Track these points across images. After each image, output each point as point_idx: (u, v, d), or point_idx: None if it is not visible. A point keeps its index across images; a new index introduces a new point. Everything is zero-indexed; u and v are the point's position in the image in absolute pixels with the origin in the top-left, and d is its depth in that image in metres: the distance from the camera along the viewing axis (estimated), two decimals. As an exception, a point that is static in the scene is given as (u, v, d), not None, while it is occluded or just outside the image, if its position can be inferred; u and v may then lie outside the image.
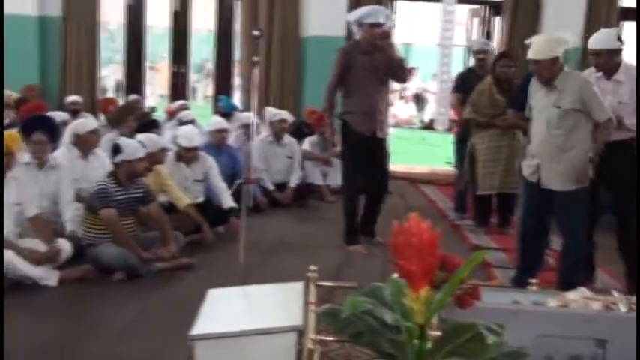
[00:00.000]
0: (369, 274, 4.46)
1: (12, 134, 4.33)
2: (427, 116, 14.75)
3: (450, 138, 10.13)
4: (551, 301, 2.73)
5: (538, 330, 2.49)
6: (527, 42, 3.98)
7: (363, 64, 4.96)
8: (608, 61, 4.12)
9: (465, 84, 5.97)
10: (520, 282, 4.04)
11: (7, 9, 8.26)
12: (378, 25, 4.91)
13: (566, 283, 3.88)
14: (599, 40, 4.17)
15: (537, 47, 3.91)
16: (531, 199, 4.10)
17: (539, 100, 4.02)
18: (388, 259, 4.69)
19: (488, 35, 9.26)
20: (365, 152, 5.06)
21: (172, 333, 3.13)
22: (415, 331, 1.33)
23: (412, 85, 15.71)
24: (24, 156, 4.63)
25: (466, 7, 10.23)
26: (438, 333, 1.50)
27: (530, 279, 3.20)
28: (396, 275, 1.48)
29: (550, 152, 3.93)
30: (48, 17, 8.50)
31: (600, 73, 4.17)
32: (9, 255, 3.93)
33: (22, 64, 8.36)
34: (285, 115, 6.96)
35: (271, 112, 7.45)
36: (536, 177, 4.01)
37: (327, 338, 2.35)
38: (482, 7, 9.58)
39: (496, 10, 9.32)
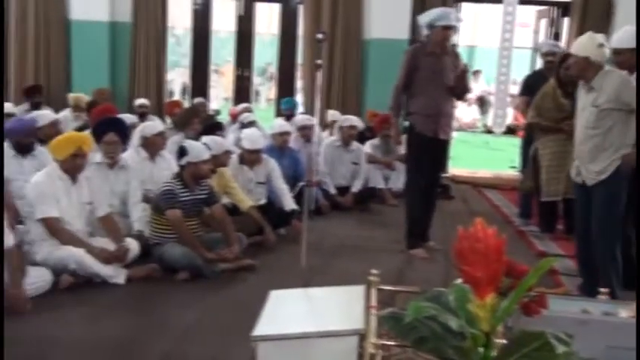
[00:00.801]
0: (430, 278, 4.43)
1: (84, 135, 4.49)
2: (491, 120, 14.50)
3: (514, 141, 9.95)
4: (622, 312, 2.63)
5: (608, 341, 2.41)
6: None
7: (428, 66, 4.96)
8: (629, 60, 4.05)
9: (532, 87, 5.83)
10: (587, 290, 3.93)
11: (81, 16, 8.63)
12: (450, 27, 4.91)
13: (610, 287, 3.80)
14: (621, 38, 4.13)
15: (577, 42, 3.95)
16: (579, 201, 4.11)
17: (580, 100, 4.02)
18: (450, 264, 4.65)
19: (557, 37, 9.01)
20: (426, 154, 5.05)
21: (235, 333, 3.18)
22: (480, 338, 1.31)
23: (475, 88, 15.47)
24: (95, 156, 4.79)
25: (533, 8, 9.99)
26: (504, 341, 1.47)
27: (597, 286, 3.11)
28: (459, 280, 1.46)
29: (589, 152, 3.93)
30: (118, 23, 8.77)
31: (626, 72, 4.08)
32: (80, 253, 4.08)
33: (93, 68, 8.68)
34: (356, 121, 6.95)
35: (336, 115, 7.49)
36: (581, 178, 4.02)
37: (389, 343, 2.34)
38: (550, 7, 9.33)
39: (565, 10, 9.07)
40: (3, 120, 5.26)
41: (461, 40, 9.91)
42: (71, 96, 8.10)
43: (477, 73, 15.92)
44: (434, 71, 4.95)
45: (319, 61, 4.18)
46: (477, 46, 17.60)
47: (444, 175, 8.34)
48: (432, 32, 4.96)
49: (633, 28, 4.20)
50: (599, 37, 3.90)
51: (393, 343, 2.39)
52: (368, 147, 7.21)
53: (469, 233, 1.36)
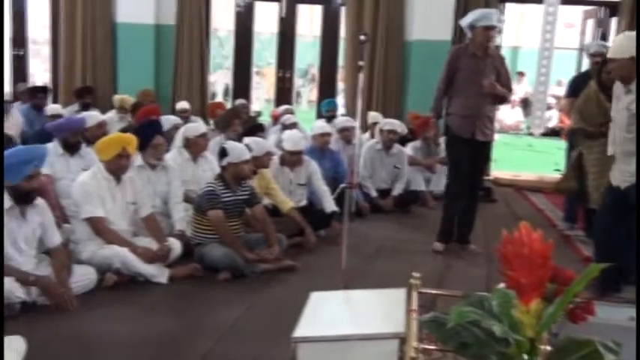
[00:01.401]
0: (472, 282, 4.37)
1: (129, 136, 4.57)
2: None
3: (558, 144, 9.75)
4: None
5: (657, 350, 2.33)
6: None
7: (467, 67, 4.93)
8: None
9: (579, 89, 5.69)
10: (603, 289, 3.82)
11: (128, 19, 8.81)
12: (491, 27, 4.87)
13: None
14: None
15: (615, 45, 3.85)
16: (610, 202, 4.04)
17: (618, 102, 3.95)
18: (492, 268, 4.58)
19: (604, 37, 8.80)
20: (464, 155, 5.01)
21: (275, 334, 3.19)
22: (525, 345, 1.29)
23: (519, 90, 15.23)
24: (136, 159, 4.84)
25: (579, 8, 9.79)
26: (549, 348, 1.44)
27: (616, 285, 3.06)
28: (502, 285, 1.44)
29: (621, 155, 3.88)
30: (163, 25, 8.90)
31: None
32: (124, 252, 4.16)
33: (139, 70, 8.83)
34: (397, 126, 6.87)
35: (378, 117, 7.45)
36: (615, 181, 3.97)
37: (430, 347, 2.31)
38: (597, 7, 9.12)
39: (612, 10, 8.85)
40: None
41: (504, 41, 9.75)
42: (116, 97, 8.26)
43: (520, 74, 15.68)
44: (474, 72, 4.92)
45: (361, 63, 4.17)
46: (520, 47, 17.31)
47: (486, 177, 8.24)
48: (473, 33, 4.93)
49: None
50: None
51: (434, 347, 2.36)
52: (409, 149, 7.16)
53: (514, 237, 1.34)
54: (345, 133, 6.72)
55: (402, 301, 2.43)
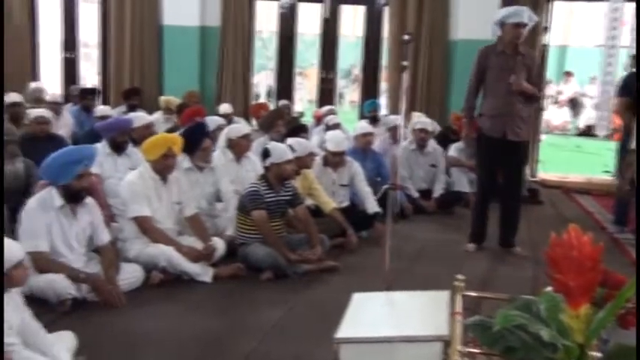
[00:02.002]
0: (516, 285, 4.30)
1: (174, 137, 4.64)
2: (583, 122, 13.94)
3: (607, 145, 9.51)
4: None
5: None
6: None
7: (497, 65, 4.86)
8: None
9: (630, 87, 5.56)
10: None
11: (174, 21, 8.96)
12: (521, 24, 4.76)
13: None
14: None
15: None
16: None
17: None
18: (538, 271, 4.50)
19: (656, 35, 8.53)
20: (496, 156, 4.93)
21: (317, 334, 3.20)
22: (574, 350, 1.26)
23: (568, 89, 14.93)
24: (183, 162, 4.88)
25: (631, 5, 9.51)
26: (599, 354, 1.41)
27: None
28: (549, 289, 1.41)
29: None
30: (207, 27, 9.03)
31: None
32: (170, 251, 4.22)
33: (184, 71, 8.98)
34: (429, 124, 6.81)
35: (423, 118, 7.39)
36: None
37: (475, 350, 2.28)
38: (650, 4, 8.85)
39: (665, 7, 8.58)
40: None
41: (552, 40, 9.56)
42: (162, 99, 8.40)
43: (568, 74, 15.35)
44: (504, 70, 4.84)
45: (405, 63, 4.14)
46: (568, 45, 16.94)
47: (532, 179, 8.10)
48: (503, 30, 4.84)
49: None
50: None
51: (479, 351, 2.33)
52: (452, 150, 7.09)
53: (562, 240, 1.31)
54: (395, 132, 6.67)
55: (446, 304, 2.41)
